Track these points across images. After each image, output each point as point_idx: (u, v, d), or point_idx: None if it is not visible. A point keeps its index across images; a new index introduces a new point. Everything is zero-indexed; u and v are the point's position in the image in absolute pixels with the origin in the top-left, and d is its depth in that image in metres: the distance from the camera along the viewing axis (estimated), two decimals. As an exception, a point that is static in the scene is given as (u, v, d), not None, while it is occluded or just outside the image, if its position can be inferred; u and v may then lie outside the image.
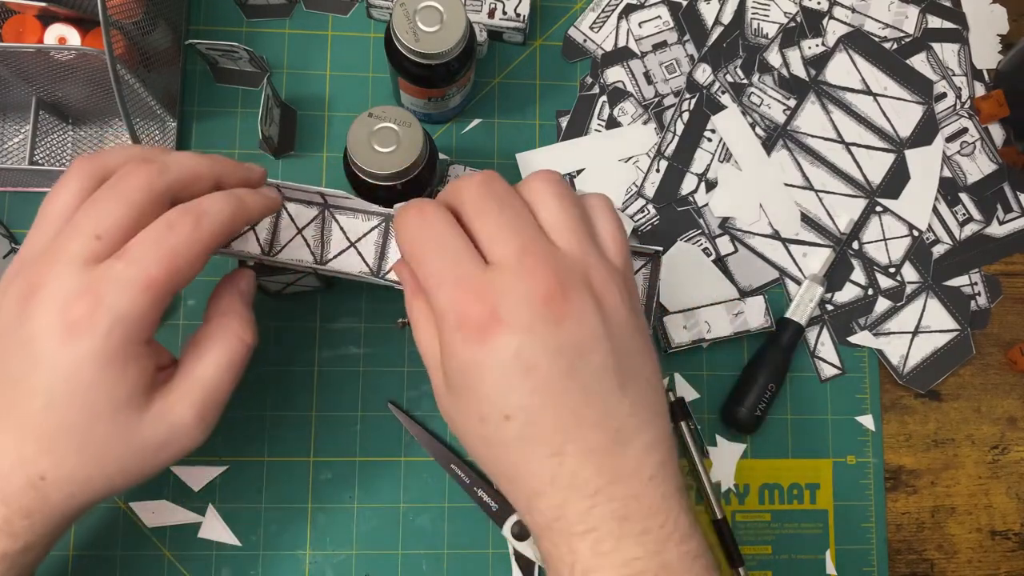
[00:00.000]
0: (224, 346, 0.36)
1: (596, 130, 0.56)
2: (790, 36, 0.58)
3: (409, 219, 0.35)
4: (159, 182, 0.34)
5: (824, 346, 0.55)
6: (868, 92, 0.58)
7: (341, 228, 0.44)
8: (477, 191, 0.34)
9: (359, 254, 0.44)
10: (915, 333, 0.56)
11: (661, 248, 0.44)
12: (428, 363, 0.36)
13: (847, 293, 0.56)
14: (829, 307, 0.56)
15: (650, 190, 0.56)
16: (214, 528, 0.50)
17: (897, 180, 0.57)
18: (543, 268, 0.32)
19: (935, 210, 0.57)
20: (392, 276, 0.43)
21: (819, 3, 0.58)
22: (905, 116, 0.58)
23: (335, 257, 0.44)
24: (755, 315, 0.53)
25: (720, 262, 0.55)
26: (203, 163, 0.36)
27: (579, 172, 0.55)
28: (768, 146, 0.57)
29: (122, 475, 0.34)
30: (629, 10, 0.57)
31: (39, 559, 0.35)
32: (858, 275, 0.56)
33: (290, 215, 0.44)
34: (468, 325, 0.32)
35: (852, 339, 0.56)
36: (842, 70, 0.58)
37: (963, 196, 0.58)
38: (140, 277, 0.32)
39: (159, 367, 0.35)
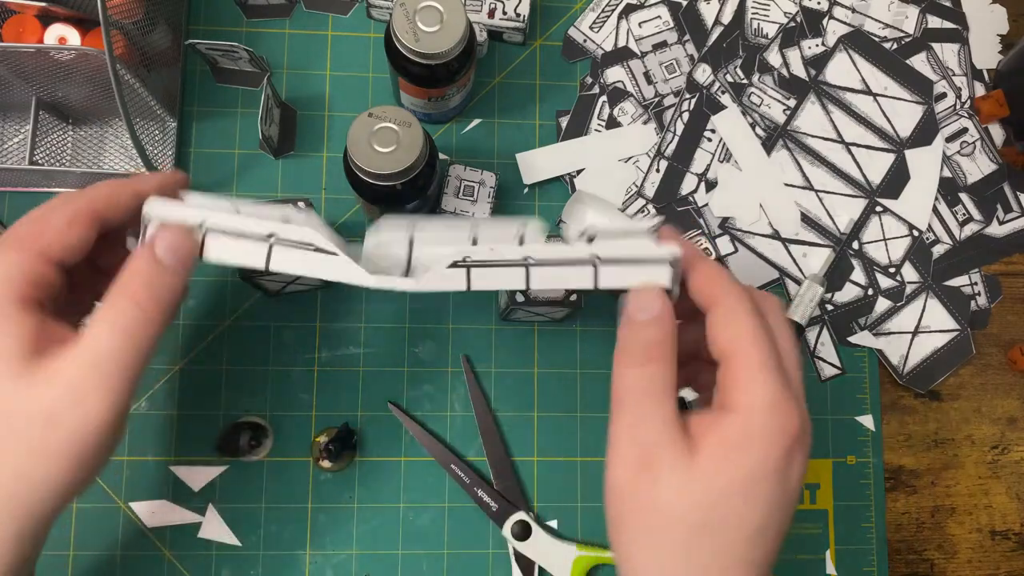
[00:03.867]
0: (116, 310, 0.34)
1: (596, 130, 0.56)
2: (790, 36, 0.58)
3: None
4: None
5: (824, 346, 0.55)
6: (868, 92, 0.58)
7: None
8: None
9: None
10: (915, 333, 0.56)
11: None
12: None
13: (847, 293, 0.56)
14: (829, 307, 0.56)
15: (650, 190, 0.56)
16: (214, 528, 0.50)
17: (897, 180, 0.57)
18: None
19: (935, 210, 0.57)
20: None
21: (819, 3, 0.58)
22: (905, 116, 0.58)
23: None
24: (755, 315, 0.53)
25: (720, 262, 0.55)
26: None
27: (579, 172, 0.55)
28: (768, 146, 0.57)
29: (34, 456, 0.32)
30: (629, 10, 0.57)
31: None
32: (858, 275, 0.56)
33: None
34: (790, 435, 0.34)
35: (852, 339, 0.56)
36: (842, 70, 0.58)
37: (963, 196, 0.58)
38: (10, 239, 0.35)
39: (53, 338, 0.34)
